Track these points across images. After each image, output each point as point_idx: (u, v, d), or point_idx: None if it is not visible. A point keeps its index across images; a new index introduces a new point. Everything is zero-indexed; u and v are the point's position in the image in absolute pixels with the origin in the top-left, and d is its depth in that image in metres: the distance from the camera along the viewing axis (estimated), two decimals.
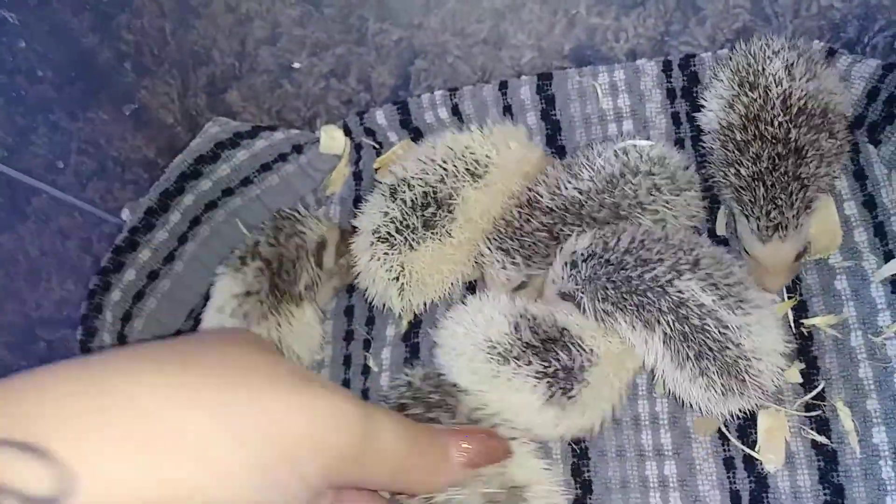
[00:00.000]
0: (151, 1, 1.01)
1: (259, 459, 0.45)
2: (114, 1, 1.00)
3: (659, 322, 0.74)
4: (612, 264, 0.77)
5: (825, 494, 0.76)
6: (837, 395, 0.79)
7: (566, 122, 1.01)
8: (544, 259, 0.87)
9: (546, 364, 0.77)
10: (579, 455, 0.86)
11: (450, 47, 1.02)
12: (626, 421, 0.85)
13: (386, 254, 0.92)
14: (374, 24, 1.01)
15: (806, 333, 0.83)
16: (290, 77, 1.09)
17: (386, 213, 0.92)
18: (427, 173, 0.92)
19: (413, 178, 0.92)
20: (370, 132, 1.10)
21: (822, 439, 0.78)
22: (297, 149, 1.11)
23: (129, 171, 1.09)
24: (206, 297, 0.97)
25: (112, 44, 1.04)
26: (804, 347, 0.82)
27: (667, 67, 0.95)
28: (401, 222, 0.91)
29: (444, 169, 0.91)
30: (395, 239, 0.91)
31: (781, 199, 0.78)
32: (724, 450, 0.81)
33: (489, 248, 0.89)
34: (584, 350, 0.78)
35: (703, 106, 0.87)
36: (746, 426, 0.81)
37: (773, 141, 0.78)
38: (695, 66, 0.94)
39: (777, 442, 0.79)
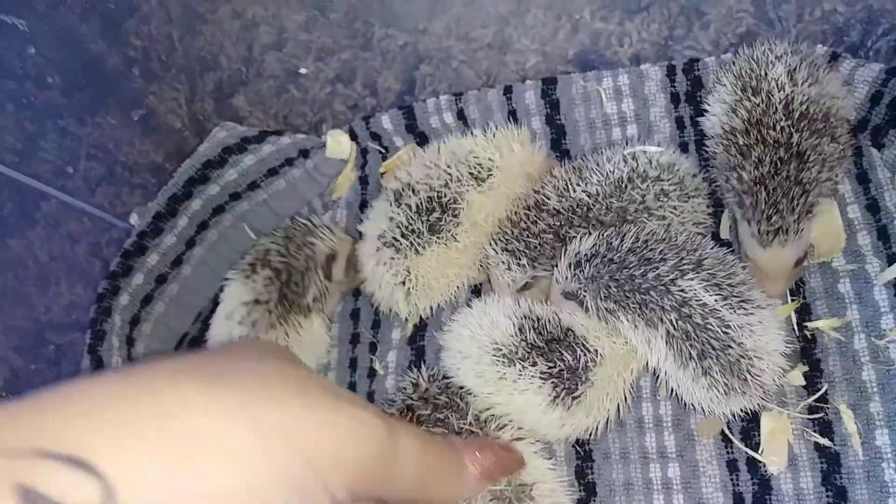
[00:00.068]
0: (159, 7, 1.02)
1: (291, 473, 0.46)
2: (122, 7, 1.01)
3: (662, 321, 0.75)
4: (616, 263, 0.78)
5: (828, 497, 0.76)
6: (840, 398, 0.79)
7: (571, 127, 1.01)
8: (550, 261, 0.87)
9: (551, 365, 0.78)
10: (583, 457, 0.86)
11: (455, 52, 1.03)
12: (629, 423, 0.86)
13: (392, 258, 0.92)
14: (380, 29, 1.01)
15: (809, 336, 0.83)
16: (297, 82, 1.10)
17: (391, 219, 0.93)
18: (431, 178, 0.92)
19: (418, 183, 0.93)
20: (376, 137, 1.11)
21: (825, 442, 0.78)
22: (304, 153, 1.11)
23: (138, 175, 1.09)
24: (214, 301, 0.98)
25: (120, 49, 1.05)
26: (807, 350, 0.83)
27: (670, 72, 0.96)
28: (406, 227, 0.92)
29: (449, 173, 0.92)
30: (401, 244, 0.92)
31: (783, 204, 0.78)
32: (728, 452, 0.81)
33: (495, 250, 0.90)
34: (589, 350, 0.79)
35: (706, 110, 0.87)
36: (750, 428, 0.81)
37: (775, 145, 0.78)
38: (698, 70, 0.95)
39: (780, 444, 0.79)
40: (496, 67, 1.04)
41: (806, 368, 0.82)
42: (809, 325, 0.83)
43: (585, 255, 0.80)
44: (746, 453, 0.80)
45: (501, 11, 0.97)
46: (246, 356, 0.55)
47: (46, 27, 0.95)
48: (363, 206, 1.11)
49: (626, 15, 0.95)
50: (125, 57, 1.06)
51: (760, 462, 0.79)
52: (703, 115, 0.88)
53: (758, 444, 0.80)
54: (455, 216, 0.92)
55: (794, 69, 0.79)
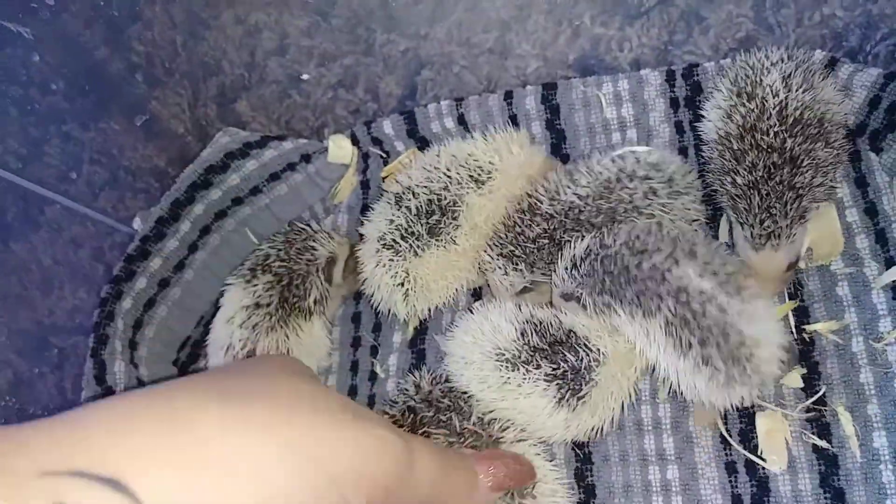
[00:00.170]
0: (162, 13, 1.02)
1: (314, 492, 0.47)
2: (125, 14, 1.01)
3: (659, 308, 0.74)
4: (610, 258, 0.78)
5: (826, 498, 0.77)
6: (838, 400, 0.80)
7: (571, 132, 1.02)
8: (548, 265, 0.88)
9: (555, 367, 0.78)
10: (582, 459, 0.87)
11: (456, 57, 1.03)
12: (628, 426, 0.86)
13: (391, 260, 0.93)
14: (382, 34, 1.02)
15: (807, 339, 0.84)
16: (299, 87, 1.10)
17: (391, 221, 0.93)
18: (431, 181, 0.93)
19: (418, 186, 0.93)
20: (377, 141, 1.12)
21: (823, 444, 0.78)
22: (306, 158, 1.12)
23: (141, 180, 1.10)
24: (216, 305, 0.99)
25: (124, 56, 1.05)
26: (806, 353, 0.83)
27: (670, 77, 0.96)
28: (406, 229, 0.92)
29: (449, 176, 0.93)
30: (401, 246, 0.92)
31: (776, 209, 0.79)
32: (726, 454, 0.82)
33: (490, 255, 0.90)
34: (591, 350, 0.79)
35: (703, 116, 0.88)
36: (747, 430, 0.82)
37: (769, 150, 0.79)
38: (698, 75, 0.95)
39: (778, 443, 0.79)
40: (497, 72, 1.04)
41: (804, 371, 0.82)
42: (808, 327, 0.84)
43: (580, 256, 0.80)
44: (745, 455, 0.81)
45: (502, 17, 0.98)
46: (267, 375, 0.56)
47: (51, 34, 0.95)
48: (364, 210, 1.11)
49: (627, 20, 0.95)
50: (128, 63, 1.07)
51: (758, 465, 0.80)
52: (701, 121, 0.89)
53: (756, 446, 0.80)
54: (455, 219, 0.93)
55: (789, 75, 0.80)
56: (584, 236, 0.83)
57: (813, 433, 0.79)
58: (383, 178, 1.11)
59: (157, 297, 0.99)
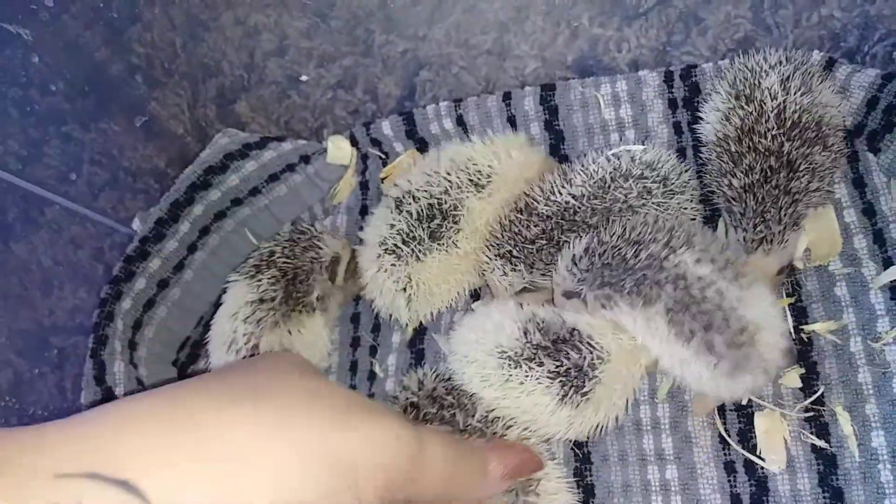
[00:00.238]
0: (162, 15, 1.02)
1: (326, 487, 0.47)
2: (125, 15, 1.02)
3: (659, 296, 0.75)
4: (608, 251, 0.78)
5: (825, 498, 0.77)
6: (837, 400, 0.80)
7: (569, 133, 1.02)
8: (547, 266, 0.88)
9: (558, 364, 0.78)
10: (581, 459, 0.87)
11: (454, 58, 1.03)
12: (627, 426, 0.86)
13: (393, 265, 0.93)
14: (380, 36, 1.02)
15: (806, 339, 0.84)
16: (298, 88, 1.10)
17: (392, 226, 0.94)
18: (431, 185, 0.93)
19: (418, 190, 0.94)
20: (376, 142, 1.12)
21: (821, 443, 0.79)
22: (305, 159, 1.12)
23: (140, 181, 1.10)
24: (216, 305, 0.99)
25: (123, 57, 1.06)
26: (804, 353, 0.83)
27: (668, 78, 0.96)
28: (407, 234, 0.93)
29: (449, 180, 0.93)
30: (402, 250, 0.93)
31: (770, 213, 0.80)
32: (725, 454, 0.82)
33: (488, 256, 0.91)
34: (595, 348, 0.79)
35: (701, 118, 0.88)
36: (746, 430, 0.82)
37: (766, 154, 0.79)
38: (696, 76, 0.95)
39: (776, 442, 0.80)
40: (495, 73, 1.04)
41: (802, 371, 0.82)
42: (806, 328, 0.84)
43: (580, 254, 0.81)
44: (744, 455, 0.81)
45: (501, 18, 0.98)
46: (275, 373, 0.57)
47: (51, 36, 0.96)
48: (364, 211, 1.12)
49: (625, 21, 0.95)
50: (128, 64, 1.07)
51: (757, 464, 0.80)
52: (699, 122, 0.89)
53: (755, 446, 0.81)
54: (455, 223, 0.93)
55: (788, 78, 0.80)
56: (581, 236, 0.83)
57: (811, 433, 0.80)
58: (382, 179, 1.12)
59: (156, 298, 1.00)
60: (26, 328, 0.90)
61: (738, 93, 0.82)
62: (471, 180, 0.93)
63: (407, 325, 1.00)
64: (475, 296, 1.00)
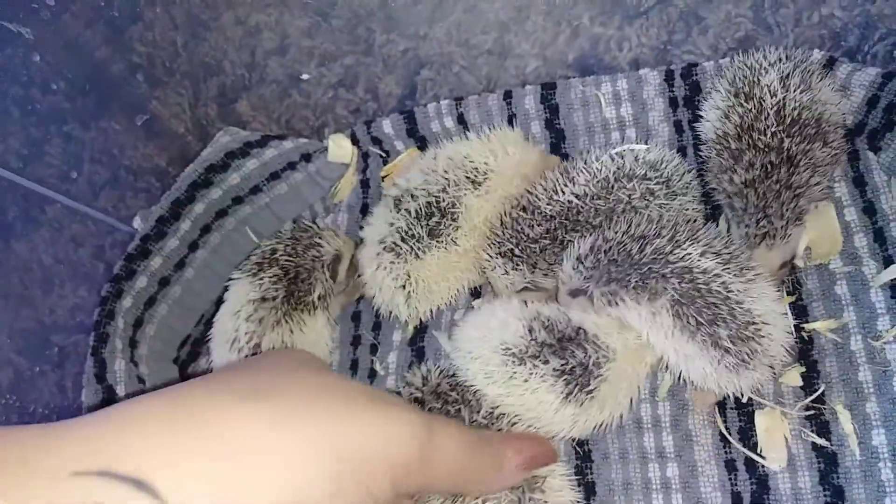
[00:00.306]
0: (163, 14, 1.02)
1: (335, 481, 0.47)
2: (126, 14, 1.02)
3: (665, 289, 0.75)
4: (613, 247, 0.79)
5: (825, 496, 0.77)
6: (837, 399, 0.80)
7: (570, 131, 1.02)
8: (550, 266, 0.88)
9: (563, 362, 0.78)
10: (582, 457, 0.87)
11: (455, 58, 1.04)
12: (628, 424, 0.86)
13: (392, 263, 0.93)
14: (381, 35, 1.02)
15: (806, 338, 0.84)
16: (299, 87, 1.10)
17: (391, 224, 0.94)
18: (430, 183, 0.94)
19: (416, 188, 0.94)
20: (377, 141, 1.12)
21: (822, 442, 0.79)
22: (306, 157, 1.12)
23: (141, 179, 1.10)
24: (217, 304, 0.99)
25: (124, 56, 1.06)
26: (805, 351, 0.83)
27: (669, 76, 0.97)
28: (406, 232, 0.93)
29: (446, 178, 0.93)
30: (401, 248, 0.93)
31: (772, 208, 0.80)
32: (726, 452, 0.82)
33: (489, 254, 0.91)
34: (600, 347, 0.79)
35: (702, 116, 0.88)
36: (747, 428, 0.82)
37: (766, 150, 0.79)
38: (697, 75, 0.95)
39: (777, 441, 0.80)
40: (496, 72, 1.05)
41: (803, 369, 0.82)
42: (807, 326, 0.84)
43: (585, 253, 0.81)
44: (745, 453, 0.81)
45: (501, 17, 0.98)
46: (285, 369, 0.57)
47: (52, 35, 0.96)
48: (364, 209, 1.12)
49: (626, 20, 0.96)
50: (129, 63, 1.07)
51: (758, 462, 0.80)
52: (700, 121, 0.89)
53: (755, 444, 0.81)
54: (454, 220, 0.93)
55: (787, 76, 0.81)
56: (585, 236, 0.83)
57: (812, 431, 0.80)
58: (383, 178, 1.12)
59: (157, 296, 1.00)
60: (27, 327, 0.90)
61: (738, 90, 0.83)
62: (468, 177, 0.94)
63: (407, 323, 1.00)
64: (475, 293, 1.00)
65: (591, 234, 0.83)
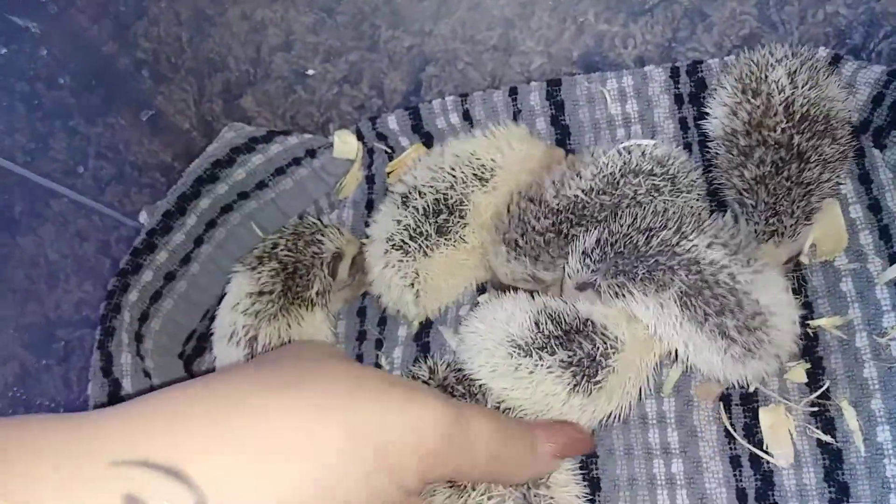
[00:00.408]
0: (168, 10, 1.03)
1: (367, 470, 0.48)
2: (132, 10, 1.02)
3: (672, 280, 0.75)
4: (619, 240, 0.79)
5: (830, 492, 0.77)
6: (842, 395, 0.80)
7: (575, 128, 1.02)
8: (553, 260, 0.88)
9: (570, 353, 0.78)
10: (587, 453, 0.87)
11: (460, 54, 1.04)
12: (633, 420, 0.86)
13: (400, 261, 0.94)
14: (386, 31, 1.02)
15: (811, 334, 0.84)
16: (304, 83, 1.11)
17: (399, 222, 0.94)
18: (437, 181, 0.94)
19: (424, 186, 0.94)
20: (382, 137, 1.12)
21: (827, 438, 0.79)
22: (311, 153, 1.12)
23: (147, 175, 1.10)
24: (222, 298, 0.99)
25: (130, 51, 1.06)
26: (810, 348, 0.84)
27: (674, 73, 0.97)
28: (414, 230, 0.93)
29: (453, 175, 0.93)
30: (409, 246, 0.93)
31: (783, 205, 0.80)
32: (731, 448, 0.82)
33: (493, 240, 0.91)
34: (609, 337, 0.79)
35: (707, 113, 0.88)
36: (752, 425, 0.82)
37: (777, 146, 0.79)
38: (702, 72, 0.96)
39: (782, 437, 0.80)
40: (501, 69, 1.05)
41: (808, 366, 0.82)
42: (812, 323, 0.84)
43: (591, 246, 0.81)
44: (750, 450, 0.81)
45: (507, 14, 0.98)
46: (314, 360, 0.58)
47: (58, 30, 0.96)
48: (369, 205, 1.12)
49: (631, 17, 0.96)
50: (135, 58, 1.07)
51: (763, 459, 0.80)
52: (706, 118, 0.89)
53: (760, 441, 0.81)
54: (462, 217, 0.93)
55: (795, 72, 0.81)
56: (590, 230, 0.84)
57: (817, 428, 0.80)
58: (388, 174, 1.12)
59: (163, 290, 1.00)
60: (33, 321, 0.91)
61: (745, 87, 0.83)
62: (475, 174, 0.94)
63: (414, 319, 1.00)
64: (481, 290, 1.00)
65: (596, 228, 0.83)
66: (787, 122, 0.79)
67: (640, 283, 0.77)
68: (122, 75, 1.07)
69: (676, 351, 0.79)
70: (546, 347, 0.79)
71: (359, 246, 1.03)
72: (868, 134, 0.90)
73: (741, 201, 0.84)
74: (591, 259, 0.81)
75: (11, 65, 0.90)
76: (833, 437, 0.79)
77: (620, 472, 0.85)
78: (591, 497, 0.84)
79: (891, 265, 0.83)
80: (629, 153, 0.89)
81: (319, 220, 1.01)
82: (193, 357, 1.06)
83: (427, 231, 0.93)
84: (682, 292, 0.75)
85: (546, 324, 0.80)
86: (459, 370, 0.85)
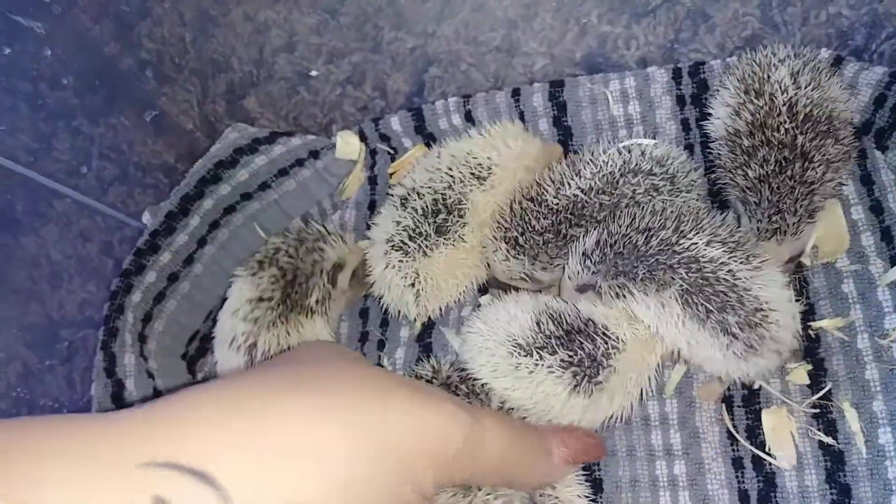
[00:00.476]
0: (172, 10, 1.03)
1: (384, 473, 0.48)
2: (135, 10, 1.02)
3: (673, 279, 0.75)
4: (619, 241, 0.79)
5: (832, 494, 0.77)
6: (844, 397, 0.80)
7: (578, 129, 1.02)
8: (552, 260, 0.88)
9: (571, 353, 0.78)
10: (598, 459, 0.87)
11: (463, 55, 1.04)
12: (636, 421, 0.87)
13: (400, 261, 0.94)
14: (389, 32, 1.02)
15: (813, 336, 0.84)
16: (307, 84, 1.11)
17: (398, 223, 0.94)
18: (435, 181, 0.94)
19: (422, 186, 0.94)
20: (385, 138, 1.12)
21: (829, 440, 0.79)
22: (314, 154, 1.13)
23: (150, 175, 1.10)
24: (224, 300, 0.99)
25: (133, 52, 1.06)
26: (812, 350, 0.84)
27: (676, 74, 0.97)
28: (413, 230, 0.93)
29: (451, 175, 0.94)
30: (409, 247, 0.93)
31: (786, 204, 0.80)
32: (733, 449, 0.82)
33: (494, 237, 0.91)
34: (610, 337, 0.79)
35: (709, 114, 0.88)
36: (754, 426, 0.82)
37: (780, 146, 0.79)
38: (704, 73, 0.96)
39: (785, 439, 0.80)
40: (504, 70, 1.05)
41: (810, 367, 0.83)
42: (813, 324, 0.84)
43: (591, 248, 0.81)
44: (752, 451, 0.81)
45: (509, 15, 0.98)
46: (331, 362, 0.58)
47: (62, 30, 0.96)
48: (372, 206, 1.12)
49: (633, 18, 0.96)
50: (138, 59, 1.07)
51: (765, 460, 0.80)
52: (708, 118, 0.89)
53: (763, 443, 0.81)
54: (461, 217, 0.93)
55: (798, 72, 0.81)
56: (588, 230, 0.84)
57: (819, 429, 0.80)
58: (391, 175, 1.12)
59: (166, 291, 1.00)
60: (36, 321, 0.91)
61: (748, 87, 0.83)
62: (472, 174, 0.94)
63: (415, 320, 1.00)
64: (483, 290, 1.00)
65: (595, 229, 0.83)
66: (790, 123, 0.79)
67: (640, 283, 0.77)
68: (125, 76, 1.07)
69: (679, 351, 0.79)
70: (547, 347, 0.79)
71: (361, 256, 1.03)
72: (870, 135, 0.90)
73: (744, 199, 0.84)
74: (591, 261, 0.81)
75: (15, 65, 0.90)
76: (835, 438, 0.79)
77: (623, 473, 0.86)
78: (593, 498, 0.84)
79: (892, 267, 0.83)
80: (629, 152, 0.89)
81: (325, 227, 1.01)
82: (196, 357, 1.06)
83: (426, 231, 0.93)
84: (682, 290, 0.75)
85: (547, 324, 0.80)
86: (463, 370, 0.85)
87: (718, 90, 0.88)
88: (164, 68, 1.09)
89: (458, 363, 0.87)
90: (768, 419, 0.81)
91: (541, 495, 0.75)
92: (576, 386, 0.78)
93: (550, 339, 0.79)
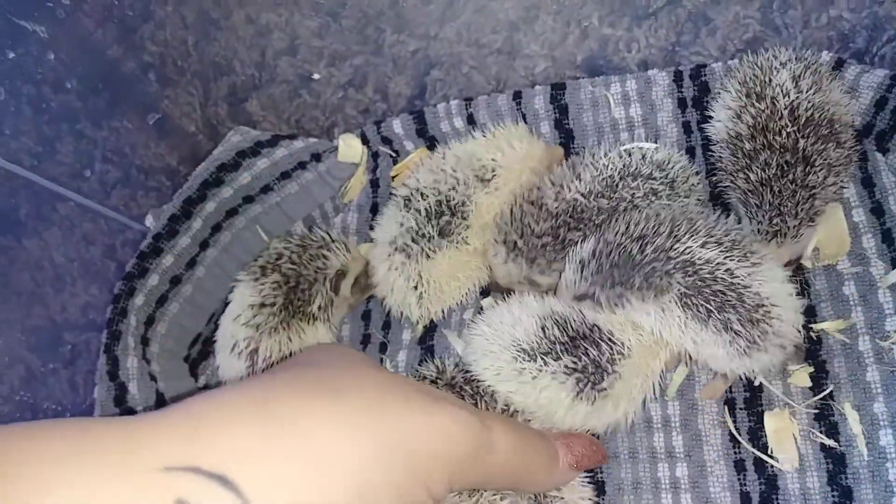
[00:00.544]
0: (174, 14, 1.03)
1: (398, 478, 0.49)
2: (138, 14, 1.02)
3: (671, 284, 0.75)
4: (614, 250, 0.79)
5: (834, 496, 0.77)
6: (846, 399, 0.80)
7: (579, 131, 1.03)
8: (550, 264, 0.89)
9: (575, 360, 0.79)
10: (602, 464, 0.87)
11: (465, 58, 1.04)
12: (638, 423, 0.87)
13: (403, 263, 0.94)
14: (391, 35, 1.03)
15: (814, 338, 0.84)
16: (309, 87, 1.11)
17: (401, 224, 0.94)
18: (438, 183, 0.94)
19: (426, 188, 0.94)
20: (387, 141, 1.12)
21: (830, 442, 0.79)
22: (316, 157, 1.13)
23: (153, 178, 1.10)
24: (226, 303, 0.99)
25: (136, 55, 1.06)
26: (813, 352, 0.84)
27: (678, 77, 0.97)
28: (416, 232, 0.93)
29: (455, 177, 0.94)
30: (412, 249, 0.93)
31: (787, 207, 0.80)
32: (735, 452, 0.82)
33: (495, 239, 0.92)
34: (615, 343, 0.79)
35: (711, 117, 0.88)
36: (756, 429, 0.82)
37: (782, 150, 0.80)
38: (705, 76, 0.96)
39: (787, 441, 0.80)
40: (506, 73, 1.05)
41: (811, 370, 0.83)
42: (815, 326, 0.84)
43: (587, 258, 0.81)
44: (754, 454, 0.81)
45: (511, 18, 0.98)
46: (350, 367, 0.58)
47: (66, 34, 0.96)
48: (374, 209, 1.12)
49: (635, 21, 0.96)
50: (141, 62, 1.07)
51: (767, 463, 0.80)
52: (709, 121, 0.90)
53: (765, 445, 0.81)
54: (464, 218, 0.94)
55: (799, 76, 0.81)
56: (586, 235, 0.84)
57: (821, 432, 0.80)
58: (393, 177, 1.12)
59: (169, 294, 1.00)
60: (39, 324, 0.91)
61: (749, 90, 0.83)
62: (476, 176, 0.94)
63: (418, 322, 1.00)
64: (486, 293, 1.00)
65: (591, 237, 0.83)
66: (791, 126, 0.79)
67: (637, 292, 0.77)
68: (128, 79, 1.07)
69: (686, 352, 0.79)
70: (551, 353, 0.79)
71: (364, 264, 1.03)
72: (871, 138, 0.90)
73: (745, 202, 0.84)
74: (588, 270, 0.81)
75: (19, 68, 0.90)
76: (836, 440, 0.79)
77: (625, 475, 0.86)
78: (596, 501, 0.84)
79: (893, 269, 0.83)
80: (629, 156, 0.89)
81: (328, 233, 1.01)
82: (199, 360, 1.06)
83: (429, 233, 0.93)
84: (681, 294, 0.75)
85: (552, 329, 0.80)
86: (467, 371, 0.85)
87: (720, 93, 0.88)
88: (166, 71, 1.09)
89: (463, 364, 0.87)
90: (770, 421, 0.82)
91: (546, 496, 0.75)
92: (579, 392, 0.78)
93: (555, 344, 0.79)
